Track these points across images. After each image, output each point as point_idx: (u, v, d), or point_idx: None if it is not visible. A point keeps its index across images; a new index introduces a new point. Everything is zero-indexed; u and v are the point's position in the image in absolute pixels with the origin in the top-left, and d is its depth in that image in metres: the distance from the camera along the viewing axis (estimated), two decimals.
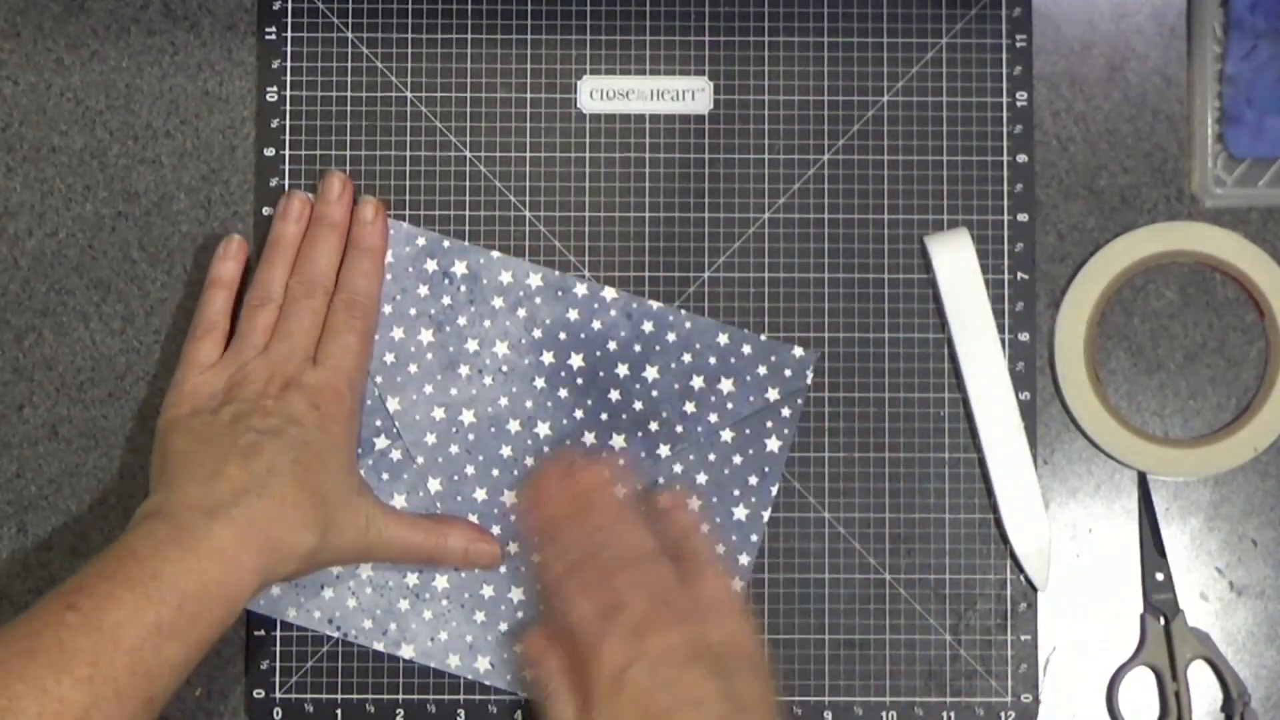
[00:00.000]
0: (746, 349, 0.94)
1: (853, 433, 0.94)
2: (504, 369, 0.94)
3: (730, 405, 0.94)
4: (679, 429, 0.93)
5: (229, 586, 0.82)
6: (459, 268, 0.94)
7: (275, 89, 0.96)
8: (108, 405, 0.95)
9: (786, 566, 0.94)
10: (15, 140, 0.96)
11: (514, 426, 0.93)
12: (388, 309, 0.93)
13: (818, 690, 0.93)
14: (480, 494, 0.93)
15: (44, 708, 0.76)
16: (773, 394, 0.94)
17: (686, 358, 0.94)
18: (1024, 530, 0.93)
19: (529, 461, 0.93)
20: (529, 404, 0.93)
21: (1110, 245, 0.95)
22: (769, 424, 0.94)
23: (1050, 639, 0.94)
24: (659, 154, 0.96)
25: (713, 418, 0.94)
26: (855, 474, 0.94)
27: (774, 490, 0.93)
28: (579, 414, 0.93)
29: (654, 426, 0.93)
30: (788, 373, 0.94)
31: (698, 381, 0.94)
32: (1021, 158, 0.95)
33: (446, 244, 0.95)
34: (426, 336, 0.94)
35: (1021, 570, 0.93)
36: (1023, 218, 0.95)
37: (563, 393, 0.93)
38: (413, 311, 0.94)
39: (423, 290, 0.94)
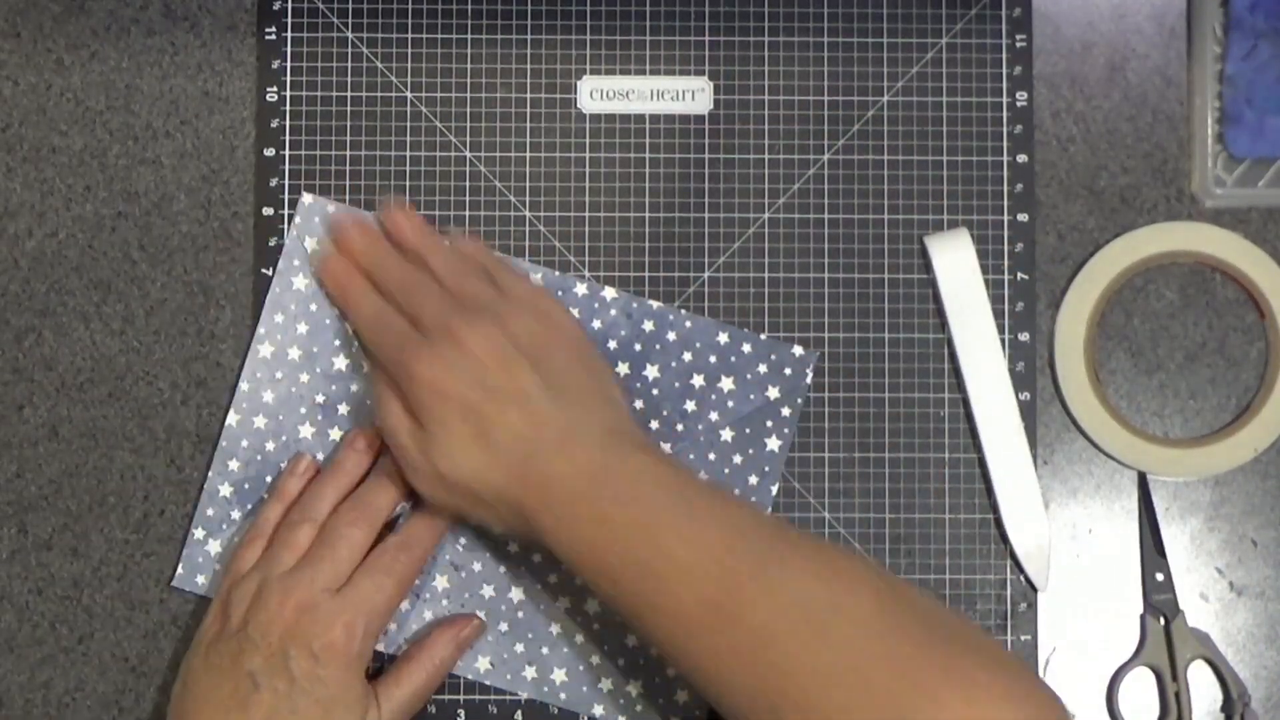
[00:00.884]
0: (746, 348, 0.94)
1: (853, 433, 0.94)
2: None
3: (730, 404, 0.93)
4: (679, 427, 0.93)
5: None
6: None
7: (275, 89, 0.96)
8: (108, 405, 0.95)
9: None
10: (15, 140, 0.96)
11: None
12: None
13: None
14: None
15: None
16: (773, 393, 0.94)
17: (687, 356, 0.94)
18: (1024, 530, 0.93)
19: None
20: None
21: (1110, 245, 0.95)
22: (769, 423, 0.94)
23: (1050, 639, 0.94)
24: (659, 154, 0.96)
25: (713, 416, 0.94)
26: (855, 474, 0.94)
27: (774, 490, 0.93)
28: None
29: (654, 425, 0.93)
30: (788, 371, 0.94)
31: (698, 380, 0.94)
32: (1021, 158, 0.95)
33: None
34: None
35: (1021, 570, 0.93)
36: (1023, 218, 0.95)
37: None
38: None
39: None
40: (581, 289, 0.94)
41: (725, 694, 0.79)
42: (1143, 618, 0.94)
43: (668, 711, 0.92)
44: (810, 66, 0.96)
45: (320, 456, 0.94)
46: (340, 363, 0.94)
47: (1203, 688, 0.94)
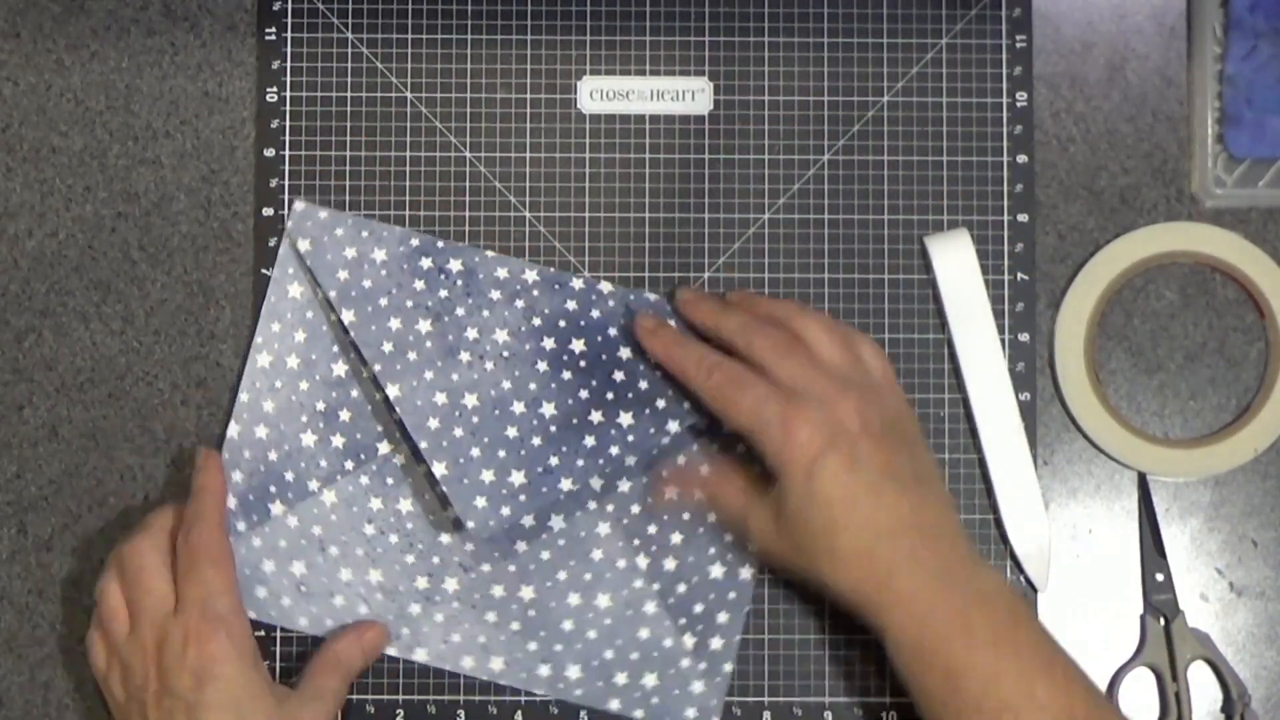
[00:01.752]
0: None
1: None
2: (505, 354, 0.93)
3: None
4: (687, 405, 0.92)
5: None
6: (454, 265, 0.94)
7: (275, 89, 0.96)
8: (108, 405, 0.95)
9: None
10: (15, 140, 0.96)
11: (518, 408, 0.93)
12: (383, 301, 0.93)
13: (818, 690, 0.93)
14: (488, 475, 0.92)
15: None
16: None
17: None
18: (1024, 530, 0.93)
19: (535, 442, 0.92)
20: (532, 386, 0.93)
21: (1110, 246, 0.95)
22: None
23: None
24: (659, 154, 0.96)
25: None
26: None
27: None
28: (584, 394, 0.93)
29: (661, 404, 0.92)
30: None
31: None
32: (1021, 158, 0.95)
33: (440, 244, 0.95)
34: (424, 326, 0.93)
35: (1021, 570, 0.93)
36: (1023, 218, 0.95)
37: (566, 374, 0.93)
38: (409, 304, 0.93)
39: (419, 284, 0.94)
40: (578, 283, 0.94)
41: None
42: (1143, 618, 0.94)
43: (683, 704, 0.92)
44: (810, 66, 0.96)
45: (322, 464, 0.94)
46: (339, 369, 0.94)
47: (1203, 688, 0.94)
